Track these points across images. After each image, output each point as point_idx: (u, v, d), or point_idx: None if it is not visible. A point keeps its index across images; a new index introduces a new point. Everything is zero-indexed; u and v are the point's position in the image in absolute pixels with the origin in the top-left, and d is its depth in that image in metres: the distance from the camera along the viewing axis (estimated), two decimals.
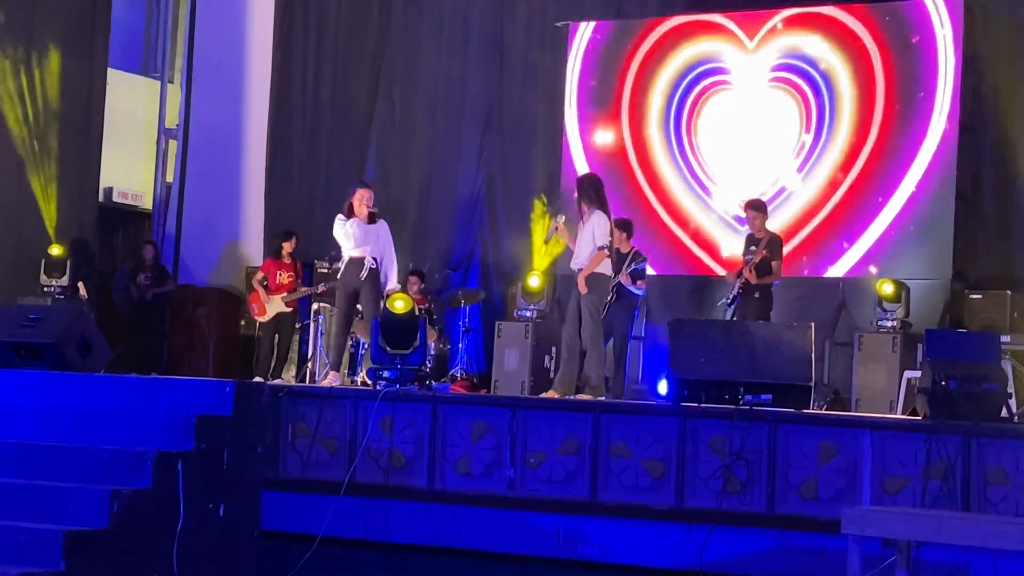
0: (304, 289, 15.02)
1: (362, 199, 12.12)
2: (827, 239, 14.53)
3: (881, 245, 14.24)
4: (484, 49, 16.82)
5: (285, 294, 14.79)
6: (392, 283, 12.09)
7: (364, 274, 11.96)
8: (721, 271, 14.46)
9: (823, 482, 9.05)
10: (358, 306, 12.30)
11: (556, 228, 12.03)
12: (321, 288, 14.96)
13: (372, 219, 12.10)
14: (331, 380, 11.87)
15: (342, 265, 12.26)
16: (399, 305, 10.94)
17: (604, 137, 15.75)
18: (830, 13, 14.78)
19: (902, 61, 14.40)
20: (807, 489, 9.08)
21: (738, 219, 14.39)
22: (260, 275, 15.01)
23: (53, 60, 16.15)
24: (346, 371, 14.25)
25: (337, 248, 14.51)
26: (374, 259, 12.03)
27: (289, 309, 14.87)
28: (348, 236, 12.06)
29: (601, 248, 11.43)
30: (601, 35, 15.90)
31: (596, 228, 11.44)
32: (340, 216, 12.12)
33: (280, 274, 14.88)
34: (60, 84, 16.22)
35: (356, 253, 12.04)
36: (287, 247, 15.06)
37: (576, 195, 11.78)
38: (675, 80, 15.44)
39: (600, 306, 11.62)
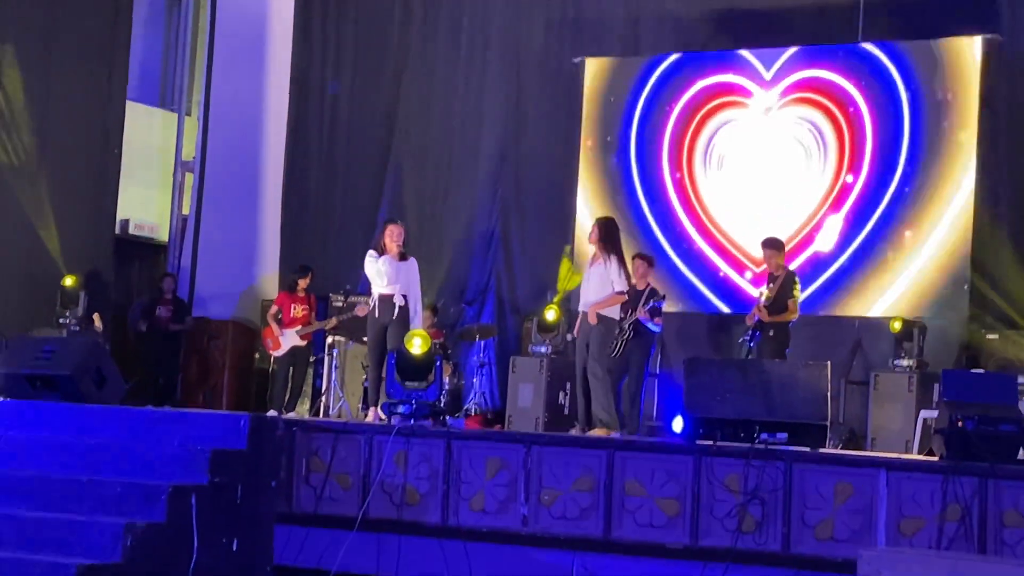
0: (317, 323, 15.00)
1: (392, 235, 12.18)
2: (845, 278, 14.51)
3: (898, 284, 14.20)
4: (500, 84, 16.87)
5: (299, 328, 14.77)
6: (416, 323, 12.09)
7: (395, 312, 12.01)
8: (736, 309, 14.44)
9: (839, 522, 9.01)
10: None
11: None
12: (334, 322, 14.94)
13: (403, 256, 12.14)
14: (372, 416, 11.85)
15: (372, 302, 12.27)
16: (417, 345, 10.93)
17: (620, 174, 15.75)
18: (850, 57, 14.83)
19: (920, 99, 14.39)
20: (823, 529, 9.03)
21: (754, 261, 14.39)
22: (274, 309, 15.00)
23: (72, 93, 16.20)
24: (359, 405, 14.25)
25: (353, 283, 14.57)
26: (403, 296, 12.06)
27: (303, 343, 14.84)
28: (380, 274, 12.12)
29: (620, 292, 11.58)
30: (618, 71, 15.92)
31: (614, 273, 11.55)
32: (372, 252, 12.18)
33: (294, 308, 14.86)
34: (78, 116, 16.27)
35: (386, 291, 12.08)
36: (302, 283, 15.04)
37: (594, 236, 11.80)
38: (692, 117, 15.46)
39: (607, 346, 11.68)
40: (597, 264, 11.67)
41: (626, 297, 11.79)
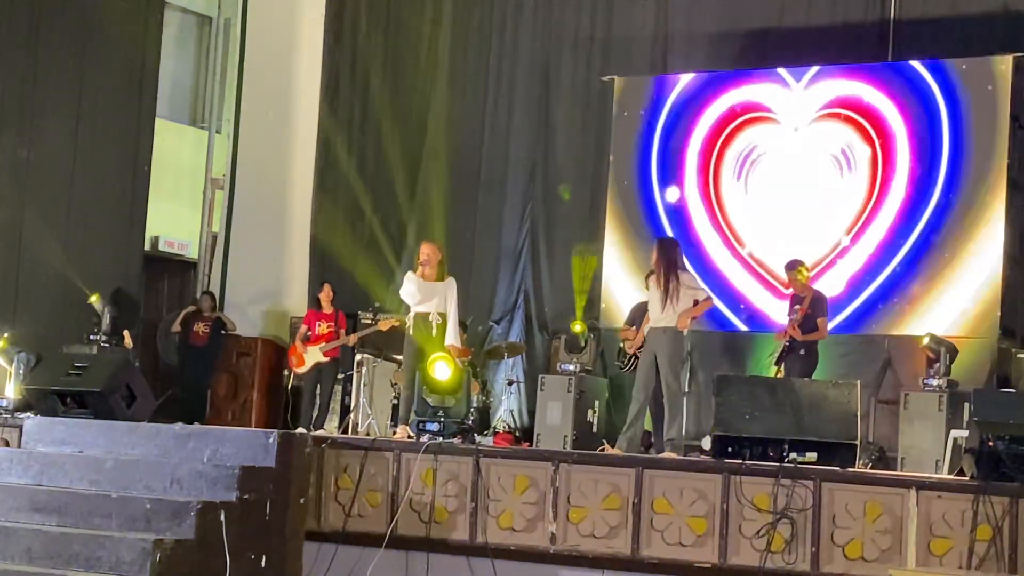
0: (339, 339, 15.02)
1: (419, 256, 12.25)
2: (875, 297, 14.46)
3: (928, 303, 14.16)
4: (529, 102, 16.89)
5: (322, 344, 14.79)
6: (448, 339, 12.07)
7: (432, 331, 12.01)
8: (765, 328, 14.40)
9: (868, 542, 8.97)
10: None
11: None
12: (354, 339, 14.97)
13: (441, 276, 12.19)
14: (401, 434, 11.83)
15: (407, 320, 12.33)
16: (439, 369, 10.93)
17: (648, 192, 15.74)
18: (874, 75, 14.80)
19: (950, 119, 14.34)
20: (852, 549, 9.00)
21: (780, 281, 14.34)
22: (303, 328, 15.01)
23: (103, 111, 16.28)
24: (388, 422, 14.25)
25: (382, 299, 14.61)
26: (439, 315, 12.07)
27: (327, 359, 14.84)
28: (407, 293, 12.21)
29: (708, 298, 11.61)
30: (646, 89, 15.92)
31: (688, 284, 11.48)
32: (409, 272, 12.25)
33: (319, 324, 14.87)
34: (110, 134, 16.35)
35: (419, 309, 12.13)
36: (322, 296, 15.07)
37: (659, 256, 11.62)
38: (720, 135, 15.42)
39: (681, 359, 11.63)
40: (661, 285, 11.47)
41: (711, 304, 11.79)
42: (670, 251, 11.72)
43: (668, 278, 11.43)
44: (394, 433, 12.26)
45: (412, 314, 12.23)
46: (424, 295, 12.12)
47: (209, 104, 18.40)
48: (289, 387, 15.27)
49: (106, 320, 15.16)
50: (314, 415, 14.71)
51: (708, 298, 11.63)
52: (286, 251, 18.02)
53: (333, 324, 14.95)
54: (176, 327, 16.29)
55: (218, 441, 9.70)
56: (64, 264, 15.70)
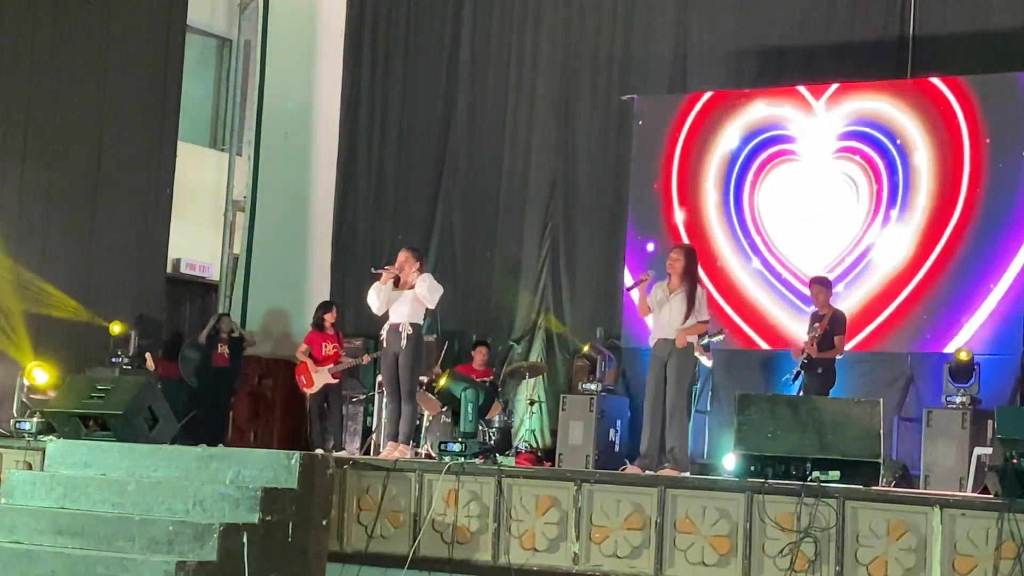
0: (351, 360, 15.06)
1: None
2: (898, 316, 14.42)
3: (951, 320, 14.12)
4: (549, 121, 16.93)
5: (331, 365, 14.84)
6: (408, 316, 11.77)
7: (402, 342, 11.66)
8: (785, 345, 14.37)
9: (892, 561, 8.93)
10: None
11: (643, 281, 11.49)
12: (366, 359, 15.01)
13: (397, 282, 11.74)
14: (392, 452, 11.74)
15: (383, 333, 11.95)
16: (441, 383, 10.95)
17: (669, 209, 15.74)
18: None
19: (983, 135, 14.30)
20: (876, 568, 8.95)
21: (804, 298, 14.30)
22: (304, 347, 15.06)
23: (124, 134, 16.33)
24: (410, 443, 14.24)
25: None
26: (411, 326, 11.66)
27: (335, 380, 14.90)
28: (369, 301, 11.84)
29: (707, 321, 11.44)
30: (667, 108, 15.93)
31: (701, 302, 11.29)
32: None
33: (325, 346, 14.94)
34: (131, 157, 16.39)
35: (392, 320, 11.74)
36: (329, 318, 15.10)
37: (677, 263, 11.34)
38: (739, 150, 15.42)
39: (688, 376, 11.53)
40: (677, 292, 11.27)
41: (707, 327, 11.69)
42: (696, 262, 11.51)
43: (695, 289, 11.29)
44: (416, 454, 12.21)
45: (386, 326, 11.85)
46: (382, 304, 11.72)
47: (229, 126, 18.46)
48: (308, 407, 15.30)
49: (133, 344, 15.18)
50: (327, 436, 14.76)
51: (707, 320, 11.53)
52: (307, 272, 18.05)
53: (337, 345, 15.02)
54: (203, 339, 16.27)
55: (240, 463, 9.73)
56: (87, 287, 15.73)
